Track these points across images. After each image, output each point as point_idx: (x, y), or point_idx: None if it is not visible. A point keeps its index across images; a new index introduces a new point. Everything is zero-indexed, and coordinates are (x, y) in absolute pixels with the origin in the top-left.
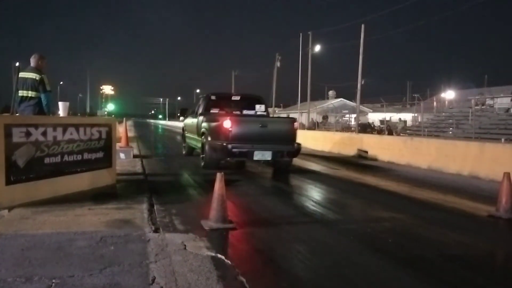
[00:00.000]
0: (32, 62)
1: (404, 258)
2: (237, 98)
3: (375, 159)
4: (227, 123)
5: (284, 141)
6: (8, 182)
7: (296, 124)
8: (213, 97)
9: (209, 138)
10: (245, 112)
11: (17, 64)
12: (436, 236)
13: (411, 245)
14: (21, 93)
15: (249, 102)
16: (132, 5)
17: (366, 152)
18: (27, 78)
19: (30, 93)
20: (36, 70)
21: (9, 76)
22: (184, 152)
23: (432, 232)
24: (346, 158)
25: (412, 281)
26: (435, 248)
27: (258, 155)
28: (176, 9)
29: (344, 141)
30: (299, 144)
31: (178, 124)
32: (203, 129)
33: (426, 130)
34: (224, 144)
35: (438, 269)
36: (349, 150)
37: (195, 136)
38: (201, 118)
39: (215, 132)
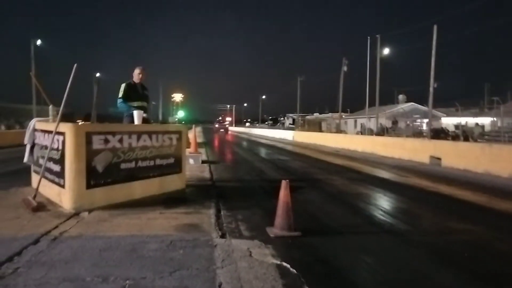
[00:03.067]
0: (133, 75)
1: (482, 273)
2: (223, 118)
3: (449, 167)
4: (216, 124)
5: (225, 127)
6: (89, 186)
7: (226, 124)
8: (219, 119)
9: (214, 127)
10: (223, 121)
11: (98, 74)
12: None
13: (489, 259)
14: None
15: (225, 118)
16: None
17: (439, 159)
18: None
19: None
20: (128, 81)
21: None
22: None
23: None
24: (418, 165)
25: None
26: None
27: (221, 130)
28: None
29: (416, 148)
30: (228, 127)
31: (243, 130)
32: (215, 124)
33: (506, 135)
34: (216, 127)
35: None
36: (421, 157)
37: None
38: (216, 122)
39: (215, 125)
